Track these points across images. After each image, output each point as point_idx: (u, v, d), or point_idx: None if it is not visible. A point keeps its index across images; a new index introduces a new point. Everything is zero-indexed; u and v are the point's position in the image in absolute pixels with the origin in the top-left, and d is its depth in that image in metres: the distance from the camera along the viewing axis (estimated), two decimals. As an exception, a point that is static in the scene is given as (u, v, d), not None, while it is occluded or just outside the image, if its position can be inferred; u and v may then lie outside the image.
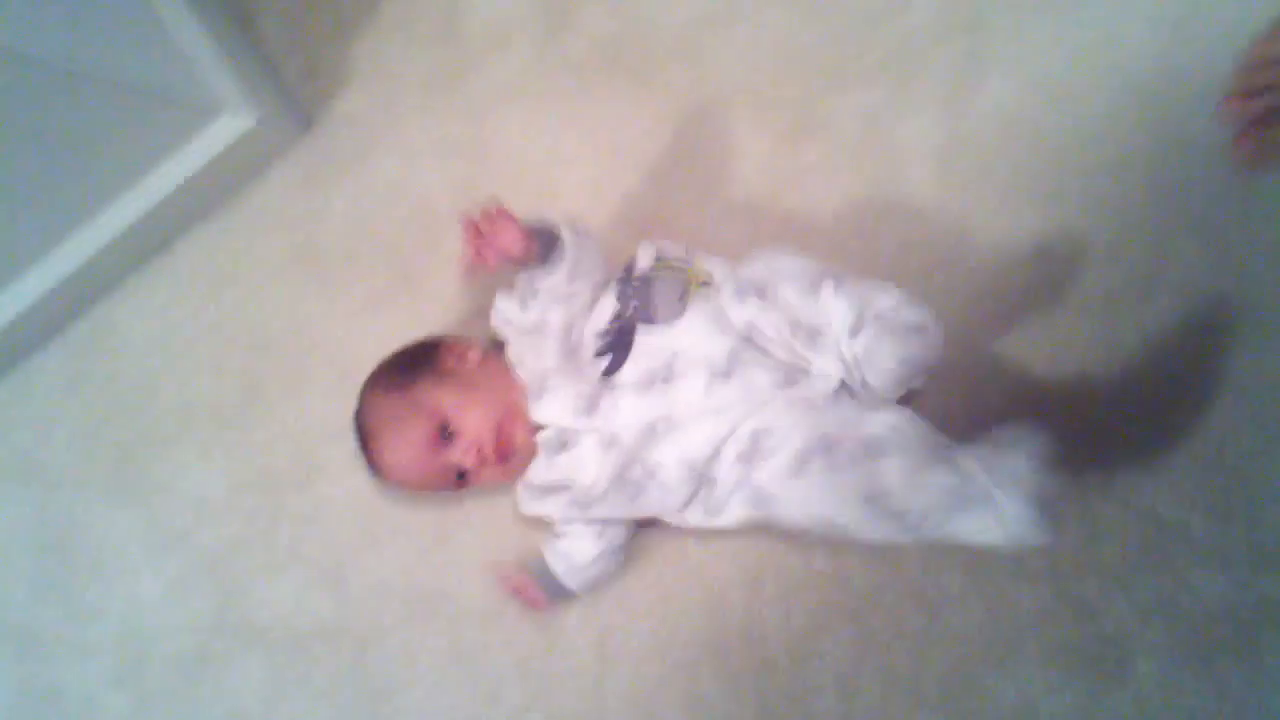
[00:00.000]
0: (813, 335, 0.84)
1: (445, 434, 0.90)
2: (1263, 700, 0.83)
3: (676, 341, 0.87)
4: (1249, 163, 0.93)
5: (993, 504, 0.80)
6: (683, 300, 0.88)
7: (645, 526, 0.96)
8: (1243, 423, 0.89)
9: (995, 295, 0.97)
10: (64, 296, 1.11)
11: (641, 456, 0.87)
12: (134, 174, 1.07)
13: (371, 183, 1.13)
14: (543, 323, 0.91)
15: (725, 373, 0.85)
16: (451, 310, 1.07)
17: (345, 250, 1.12)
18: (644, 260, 0.93)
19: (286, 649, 1.04)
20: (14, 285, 1.09)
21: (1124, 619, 0.88)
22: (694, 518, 0.90)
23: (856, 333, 0.82)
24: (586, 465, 0.89)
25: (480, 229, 0.85)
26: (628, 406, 0.87)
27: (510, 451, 0.91)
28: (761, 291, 0.85)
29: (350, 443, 0.96)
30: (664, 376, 0.86)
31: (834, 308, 0.82)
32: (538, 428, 0.92)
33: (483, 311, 1.01)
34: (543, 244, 0.87)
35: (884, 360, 0.81)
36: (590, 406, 0.88)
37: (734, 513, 0.88)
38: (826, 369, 0.84)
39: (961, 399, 0.94)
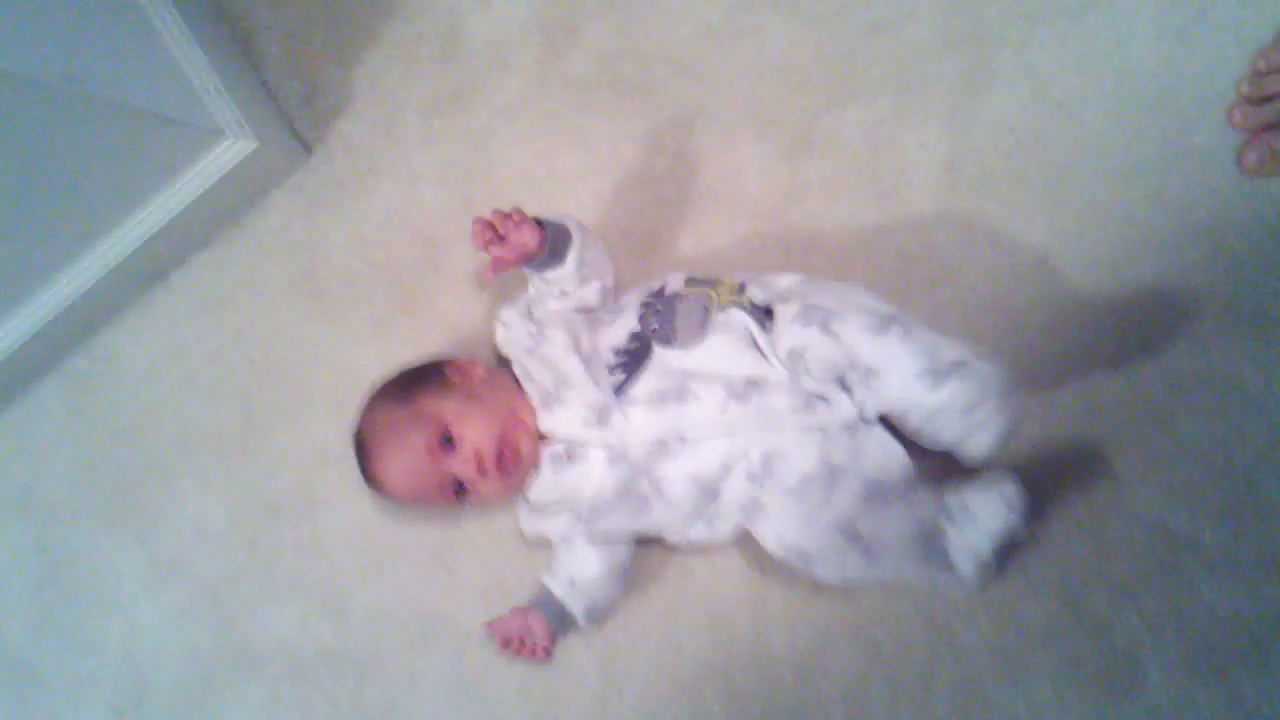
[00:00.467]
0: (867, 376, 0.88)
1: (446, 442, 0.94)
2: (1277, 710, 0.88)
3: (694, 363, 0.92)
4: (1256, 170, 1.01)
5: (947, 553, 0.89)
6: (705, 323, 0.93)
7: (647, 543, 1.01)
8: (1251, 431, 0.95)
9: (1000, 309, 1.02)
10: (63, 327, 1.17)
11: (649, 471, 0.93)
12: (134, 201, 1.14)
13: (372, 207, 1.19)
14: (553, 320, 0.97)
15: (742, 395, 0.91)
16: (454, 333, 1.14)
17: (346, 275, 1.18)
18: (673, 284, 0.98)
19: (287, 677, 1.09)
20: (13, 316, 1.16)
21: (1135, 631, 0.92)
22: (697, 533, 0.96)
23: (939, 383, 0.85)
24: (592, 478, 0.94)
25: (496, 228, 0.90)
26: (639, 420, 0.92)
27: (513, 462, 0.94)
28: (827, 323, 0.89)
29: (351, 468, 1.00)
30: (677, 395, 0.91)
31: (899, 354, 0.87)
32: (543, 440, 0.97)
33: (484, 334, 1.09)
34: (552, 240, 0.93)
35: (978, 419, 0.86)
36: (601, 419, 0.93)
37: (729, 523, 0.95)
38: (857, 405, 0.90)
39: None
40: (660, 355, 0.94)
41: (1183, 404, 0.97)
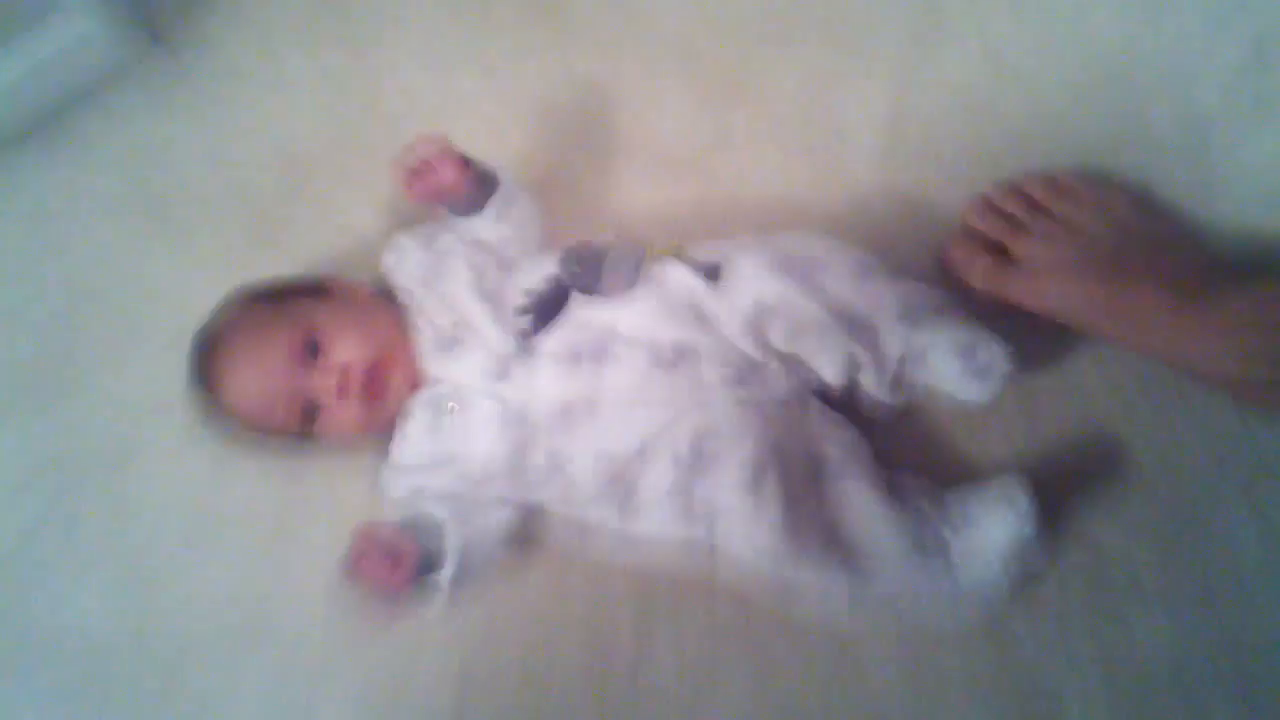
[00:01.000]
0: (861, 326, 0.80)
1: (310, 351, 0.84)
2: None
3: (618, 320, 0.82)
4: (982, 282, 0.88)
5: (950, 563, 0.79)
6: (635, 275, 0.83)
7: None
8: (1195, 450, 0.86)
9: (935, 278, 0.93)
10: None
11: (550, 442, 0.82)
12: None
13: (229, 115, 1.05)
14: (455, 253, 0.88)
15: (670, 363, 0.80)
16: (318, 268, 1.00)
17: (193, 193, 1.05)
18: (603, 237, 0.89)
19: (83, 664, 0.93)
20: None
21: (1059, 667, 0.83)
22: (603, 515, 0.84)
23: (917, 322, 0.80)
24: (478, 438, 0.82)
25: (419, 159, 0.83)
26: (546, 378, 0.81)
27: (379, 390, 0.84)
28: (807, 272, 0.81)
29: (180, 419, 0.90)
30: (594, 355, 0.81)
31: (888, 294, 0.81)
32: (423, 386, 0.86)
33: (357, 267, 0.96)
34: (475, 183, 0.85)
35: (955, 357, 0.80)
36: (501, 371, 0.82)
37: (657, 520, 0.82)
38: (802, 377, 0.81)
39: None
40: (579, 306, 0.83)
41: (1122, 408, 0.88)
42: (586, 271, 0.84)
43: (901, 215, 0.97)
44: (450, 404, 0.84)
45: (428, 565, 0.77)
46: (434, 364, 0.85)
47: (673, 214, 0.98)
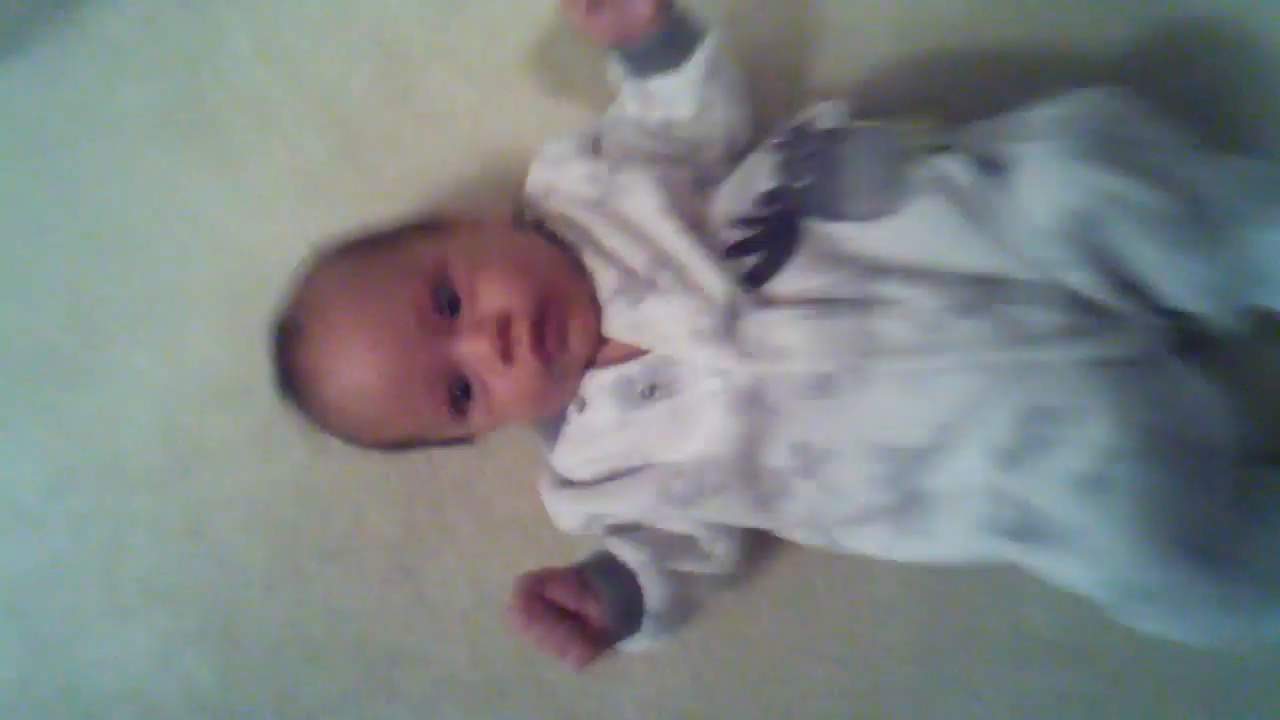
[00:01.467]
0: (1212, 222, 0.55)
1: (447, 303, 0.60)
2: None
3: (879, 245, 0.58)
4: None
5: None
6: (895, 180, 0.59)
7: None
8: None
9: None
10: None
11: (796, 434, 0.59)
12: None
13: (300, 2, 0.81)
14: (636, 162, 0.65)
15: (969, 305, 0.55)
16: (425, 203, 0.77)
17: (251, 104, 0.81)
18: (829, 117, 0.66)
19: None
20: None
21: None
22: (874, 536, 0.62)
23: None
24: (690, 434, 0.60)
25: None
26: (789, 337, 0.57)
27: (561, 342, 0.61)
28: (1132, 156, 0.55)
29: (247, 420, 0.75)
30: (854, 300, 0.57)
31: (1236, 174, 0.58)
32: (599, 349, 0.62)
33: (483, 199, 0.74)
34: (673, 27, 0.63)
35: None
36: (721, 330, 0.58)
37: (954, 540, 0.59)
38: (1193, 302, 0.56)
39: None
40: (818, 231, 0.59)
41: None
42: (823, 180, 0.60)
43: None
44: (646, 384, 0.61)
45: (616, 630, 0.61)
46: (617, 323, 0.61)
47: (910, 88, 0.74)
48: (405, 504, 0.75)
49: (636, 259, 0.61)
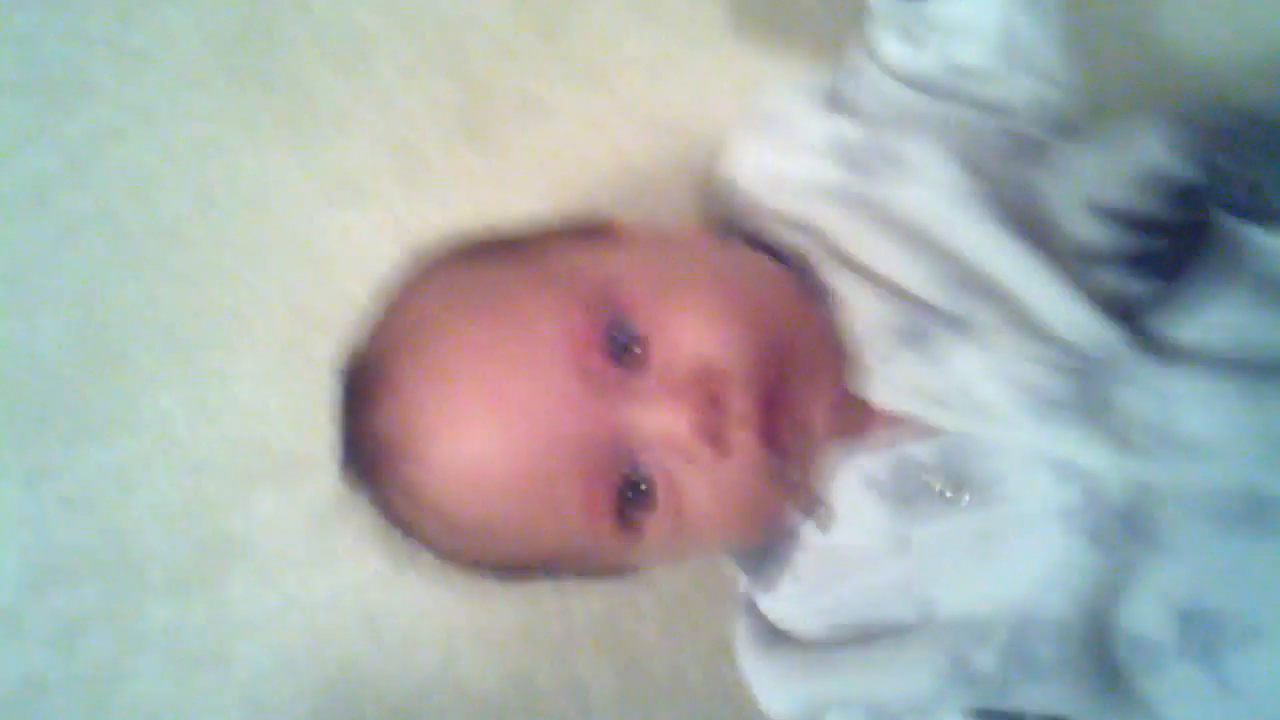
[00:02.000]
0: None
1: (619, 342, 0.40)
2: None
3: None
4: None
5: None
6: None
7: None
8: None
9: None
10: None
11: (1188, 586, 0.39)
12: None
13: None
14: (911, 123, 0.46)
15: None
16: (568, 196, 0.58)
17: (336, 53, 0.61)
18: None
19: None
20: None
21: None
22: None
23: None
24: (1014, 568, 0.40)
25: None
26: (1205, 420, 0.38)
27: (805, 426, 0.40)
28: None
29: (315, 494, 0.56)
30: None
31: None
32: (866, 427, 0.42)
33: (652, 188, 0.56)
34: None
35: None
36: (1087, 400, 0.38)
37: None
38: None
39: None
40: (1260, 249, 0.39)
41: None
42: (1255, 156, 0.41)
43: None
44: (945, 480, 0.40)
45: None
46: (893, 385, 0.41)
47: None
48: (515, 650, 0.55)
49: (929, 284, 0.41)
